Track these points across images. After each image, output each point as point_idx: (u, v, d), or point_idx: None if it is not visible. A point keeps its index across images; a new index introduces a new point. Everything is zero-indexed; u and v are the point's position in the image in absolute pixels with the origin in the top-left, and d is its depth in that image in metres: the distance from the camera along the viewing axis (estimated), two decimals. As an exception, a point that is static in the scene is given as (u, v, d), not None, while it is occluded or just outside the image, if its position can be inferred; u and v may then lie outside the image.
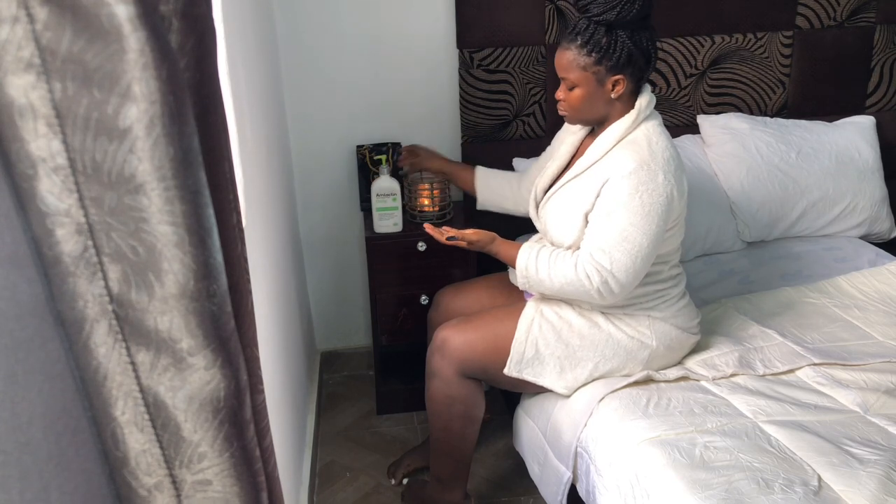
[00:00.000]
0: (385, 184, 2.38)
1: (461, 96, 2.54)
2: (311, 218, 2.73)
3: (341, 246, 2.78)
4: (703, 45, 2.61)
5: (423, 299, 2.44)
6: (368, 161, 2.58)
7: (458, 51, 2.50)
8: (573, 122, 1.83)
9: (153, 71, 0.51)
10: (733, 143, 2.53)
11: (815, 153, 2.54)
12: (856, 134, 2.61)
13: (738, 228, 2.49)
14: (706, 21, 2.59)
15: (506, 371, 1.83)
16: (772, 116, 2.70)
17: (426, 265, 2.41)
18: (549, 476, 1.89)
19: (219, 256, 0.60)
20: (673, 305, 1.84)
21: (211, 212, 0.59)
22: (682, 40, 2.60)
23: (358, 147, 2.59)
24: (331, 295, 2.85)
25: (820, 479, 1.48)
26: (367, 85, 2.59)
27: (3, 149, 0.50)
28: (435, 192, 2.45)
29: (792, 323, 2.08)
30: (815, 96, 2.73)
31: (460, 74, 2.52)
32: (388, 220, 2.40)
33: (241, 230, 0.74)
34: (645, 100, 1.74)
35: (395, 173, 2.54)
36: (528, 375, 1.83)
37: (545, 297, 1.86)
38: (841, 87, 2.74)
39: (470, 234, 1.84)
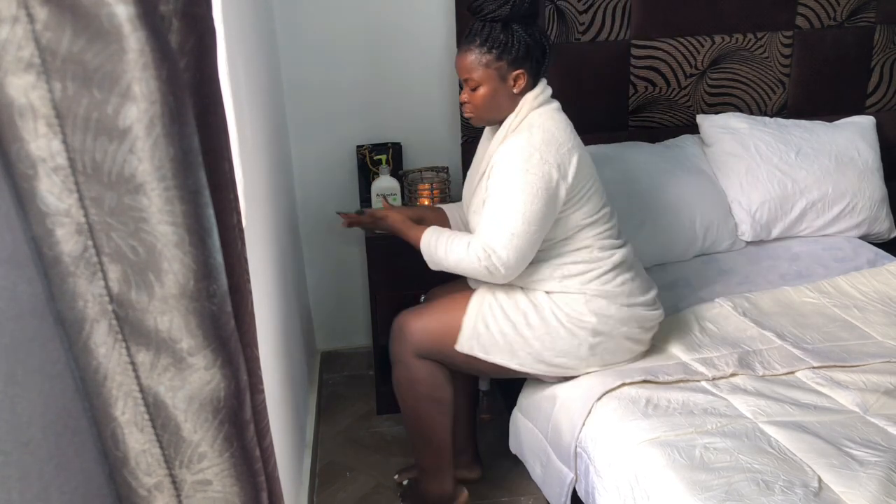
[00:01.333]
0: (385, 184, 2.38)
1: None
2: (311, 218, 2.73)
3: (341, 246, 2.78)
4: (703, 45, 2.61)
5: (423, 299, 2.43)
6: (368, 161, 2.58)
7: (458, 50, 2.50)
8: (479, 123, 1.91)
9: (153, 71, 0.51)
10: (733, 142, 2.53)
11: (814, 153, 2.54)
12: (856, 134, 2.61)
13: (737, 228, 2.49)
14: (706, 21, 2.59)
15: (457, 347, 1.89)
16: (772, 116, 2.70)
17: (426, 265, 2.40)
18: (552, 477, 1.89)
19: (219, 256, 0.60)
20: (610, 282, 1.85)
21: (211, 212, 0.59)
22: (682, 40, 2.60)
23: (358, 147, 2.59)
24: (331, 295, 2.85)
25: (820, 480, 1.48)
26: (367, 85, 2.59)
27: (3, 149, 0.50)
28: (435, 191, 2.45)
29: (791, 323, 2.07)
30: (815, 96, 2.73)
31: (460, 74, 2.52)
32: (388, 220, 2.40)
33: (241, 230, 0.74)
34: (532, 93, 1.82)
35: (395, 173, 2.54)
36: (479, 352, 1.88)
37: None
38: (841, 87, 2.74)
39: (379, 212, 1.99)
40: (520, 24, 1.77)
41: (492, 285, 1.92)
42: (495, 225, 1.76)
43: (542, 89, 1.83)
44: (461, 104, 1.89)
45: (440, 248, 1.85)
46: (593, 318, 1.84)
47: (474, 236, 1.80)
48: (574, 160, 1.79)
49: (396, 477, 2.28)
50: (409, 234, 1.94)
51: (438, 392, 1.96)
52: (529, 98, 1.82)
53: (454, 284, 2.17)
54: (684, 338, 2.00)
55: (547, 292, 1.88)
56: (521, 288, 1.90)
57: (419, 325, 1.94)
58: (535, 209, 1.74)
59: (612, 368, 1.88)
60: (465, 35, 1.83)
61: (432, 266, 1.90)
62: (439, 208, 2.16)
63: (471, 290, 2.05)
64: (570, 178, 1.78)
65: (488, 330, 1.88)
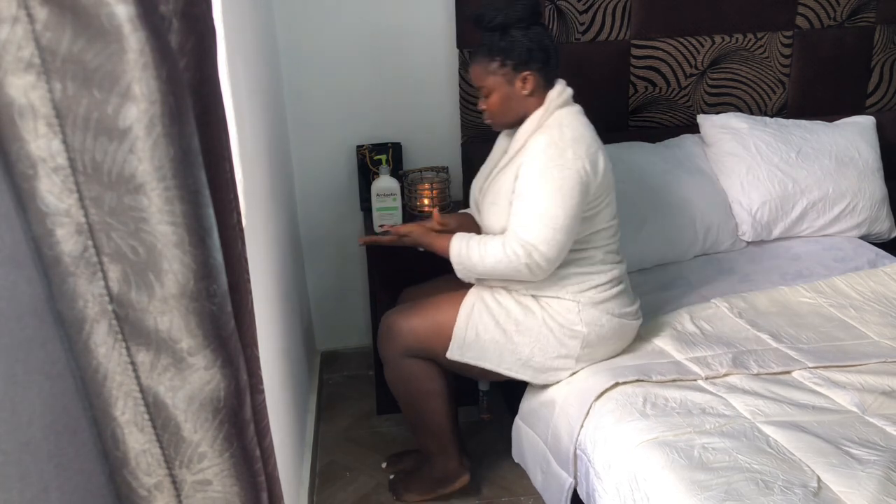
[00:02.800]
0: (385, 184, 2.38)
1: (461, 96, 2.54)
2: (311, 218, 2.73)
3: (341, 246, 2.78)
4: (703, 45, 2.61)
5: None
6: (368, 161, 2.58)
7: (458, 50, 2.50)
8: (500, 128, 1.97)
9: (153, 71, 0.51)
10: (733, 142, 2.53)
11: (815, 153, 2.54)
12: (856, 134, 2.61)
13: (737, 228, 2.49)
14: (706, 21, 2.59)
15: (448, 355, 1.93)
16: (772, 116, 2.70)
17: (426, 265, 2.40)
18: (551, 483, 1.89)
19: (219, 256, 0.60)
20: (605, 292, 1.89)
21: (211, 212, 0.59)
22: (682, 40, 2.60)
23: (358, 147, 2.59)
24: (331, 295, 2.85)
25: (819, 479, 1.48)
26: (367, 85, 2.59)
27: (3, 149, 0.50)
28: (435, 191, 2.45)
29: (787, 323, 2.07)
30: (815, 96, 2.73)
31: (460, 74, 2.52)
32: (388, 220, 2.40)
33: (241, 230, 0.74)
34: (555, 91, 1.87)
35: (395, 173, 2.54)
36: (471, 359, 1.92)
37: (485, 285, 1.95)
38: (841, 87, 2.74)
39: (402, 228, 1.99)
40: (518, 29, 1.82)
41: (480, 288, 1.94)
42: (535, 221, 1.77)
43: (563, 88, 1.88)
44: (480, 112, 1.95)
45: (473, 253, 1.84)
46: (584, 328, 1.87)
47: (508, 236, 1.81)
48: (601, 160, 1.83)
49: (385, 465, 2.31)
50: (436, 244, 1.94)
51: (431, 385, 2.00)
52: (553, 96, 1.85)
53: (430, 284, 2.20)
54: (679, 337, 2.00)
55: (535, 296, 1.89)
56: (511, 291, 1.91)
57: (407, 325, 1.96)
58: (574, 203, 1.77)
59: (607, 367, 1.89)
60: (475, 48, 1.91)
61: (463, 274, 1.90)
62: (466, 213, 2.16)
63: (451, 290, 2.07)
64: (599, 177, 1.82)
65: (479, 338, 1.90)
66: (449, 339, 1.92)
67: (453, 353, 1.92)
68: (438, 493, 2.15)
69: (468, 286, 2.04)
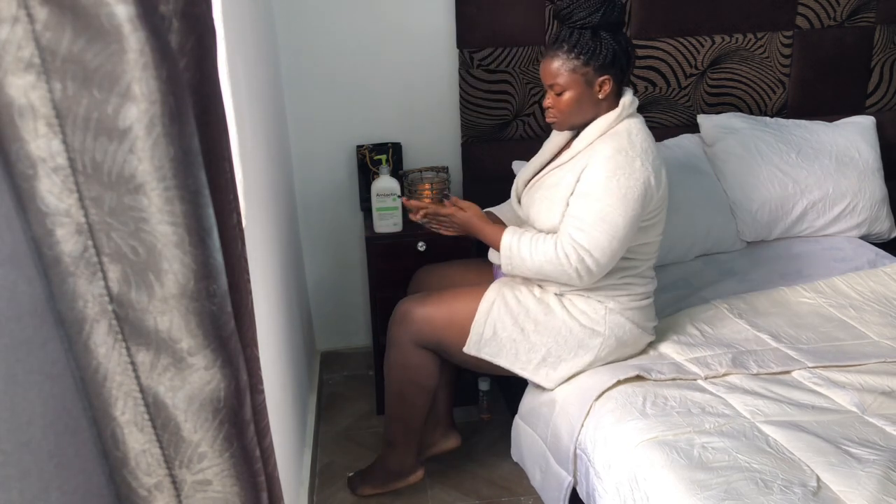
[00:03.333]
0: (385, 184, 2.38)
1: (461, 96, 2.54)
2: (311, 218, 2.73)
3: (341, 246, 2.78)
4: (703, 45, 2.61)
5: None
6: (368, 161, 2.58)
7: (458, 51, 2.50)
8: (563, 128, 1.91)
9: (153, 71, 0.51)
10: (733, 142, 2.53)
11: (815, 153, 2.54)
12: (856, 134, 2.61)
13: (737, 228, 2.49)
14: (706, 21, 2.59)
15: (465, 349, 1.91)
16: (772, 116, 2.70)
17: (427, 265, 2.41)
18: (550, 482, 1.89)
19: (219, 256, 0.60)
20: (634, 302, 1.90)
21: (211, 212, 0.59)
22: (682, 40, 2.60)
23: (358, 147, 2.59)
24: (331, 295, 2.85)
25: (819, 479, 1.48)
26: (367, 85, 2.59)
27: (3, 149, 0.50)
28: (435, 191, 2.45)
29: (787, 323, 2.07)
30: (815, 96, 2.73)
31: (460, 74, 2.52)
32: (388, 220, 2.40)
33: (241, 230, 0.74)
34: (628, 98, 1.83)
35: (395, 173, 2.54)
36: (486, 355, 1.91)
37: (507, 281, 1.94)
38: (841, 87, 2.74)
39: (462, 202, 1.94)
40: (608, 32, 1.78)
41: (501, 284, 1.93)
42: (593, 226, 1.74)
43: (634, 98, 1.85)
44: (544, 109, 1.88)
45: (523, 248, 1.82)
46: (606, 330, 1.87)
47: (561, 237, 1.78)
48: (663, 174, 1.82)
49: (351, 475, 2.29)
50: (486, 231, 1.91)
51: (427, 380, 2.01)
52: (626, 103, 1.82)
53: (447, 265, 2.21)
54: (679, 338, 2.01)
55: (559, 294, 1.89)
56: (532, 286, 1.91)
57: (424, 314, 1.95)
58: (635, 214, 1.75)
59: (607, 367, 1.89)
60: (552, 41, 1.83)
61: (509, 268, 1.87)
62: (490, 212, 2.14)
63: (468, 276, 2.07)
64: (661, 190, 1.81)
65: (496, 335, 1.89)
66: (463, 332, 1.91)
67: (470, 348, 1.91)
68: (391, 487, 2.17)
69: (487, 279, 2.05)
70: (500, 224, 2.01)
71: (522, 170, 2.05)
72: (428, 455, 2.22)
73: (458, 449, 2.26)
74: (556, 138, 2.01)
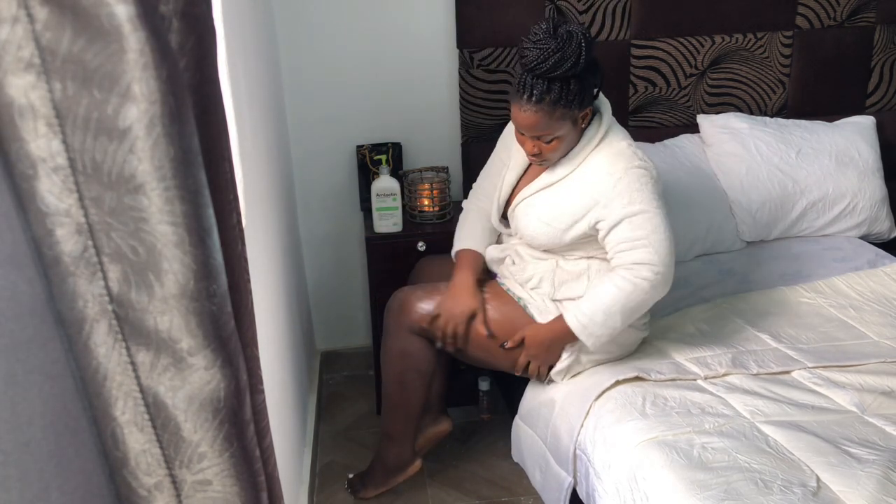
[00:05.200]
0: (385, 184, 2.38)
1: (461, 96, 2.54)
2: (311, 218, 2.73)
3: (341, 246, 2.78)
4: (703, 45, 2.61)
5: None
6: (368, 161, 2.58)
7: (458, 51, 2.50)
8: (553, 164, 1.87)
9: (153, 71, 0.51)
10: (733, 142, 2.53)
11: (815, 153, 2.54)
12: (856, 134, 2.61)
13: (737, 228, 2.49)
14: (706, 21, 2.59)
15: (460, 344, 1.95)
16: (772, 116, 2.70)
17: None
18: (550, 482, 1.89)
19: (219, 256, 0.60)
20: None
21: (211, 212, 0.59)
22: (682, 40, 2.59)
23: (358, 147, 2.59)
24: (331, 295, 2.85)
25: (818, 479, 1.48)
26: (367, 85, 2.59)
27: (3, 149, 0.50)
28: (435, 191, 2.45)
29: (787, 323, 2.07)
30: (815, 96, 2.73)
31: (460, 74, 2.52)
32: (388, 220, 2.40)
33: (241, 230, 0.74)
34: (606, 111, 1.85)
35: (395, 173, 2.54)
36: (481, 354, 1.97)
37: (503, 279, 1.99)
38: (841, 87, 2.74)
39: (517, 337, 1.90)
40: (587, 71, 1.73)
41: (495, 284, 1.98)
42: (651, 236, 1.75)
43: (608, 104, 1.87)
44: (531, 156, 1.83)
45: (596, 315, 1.78)
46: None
47: (620, 268, 1.77)
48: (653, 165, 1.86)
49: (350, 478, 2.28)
50: (552, 331, 1.87)
51: (425, 365, 2.04)
52: (606, 118, 1.84)
53: (448, 258, 2.19)
54: (679, 338, 2.01)
55: (556, 300, 1.91)
56: (530, 290, 1.94)
57: (421, 307, 1.98)
58: (661, 202, 1.78)
59: (607, 367, 1.90)
60: (528, 93, 1.72)
61: (596, 344, 1.82)
62: (469, 251, 2.06)
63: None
64: (660, 179, 1.84)
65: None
66: None
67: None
68: (392, 483, 2.17)
69: (487, 275, 2.07)
70: (489, 274, 2.05)
71: (499, 187, 1.99)
72: (422, 442, 2.19)
73: (450, 433, 2.23)
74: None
